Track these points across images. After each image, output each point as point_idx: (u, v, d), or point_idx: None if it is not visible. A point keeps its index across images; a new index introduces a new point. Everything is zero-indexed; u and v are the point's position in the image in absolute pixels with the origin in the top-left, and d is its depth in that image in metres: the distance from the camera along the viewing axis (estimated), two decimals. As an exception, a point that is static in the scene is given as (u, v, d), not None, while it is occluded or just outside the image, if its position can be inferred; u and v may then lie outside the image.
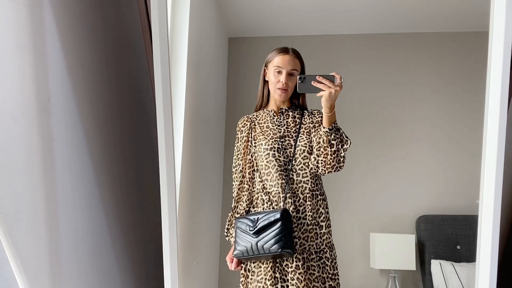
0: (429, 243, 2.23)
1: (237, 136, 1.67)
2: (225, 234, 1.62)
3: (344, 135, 1.50)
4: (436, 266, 2.11)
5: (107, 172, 1.35)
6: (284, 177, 1.52)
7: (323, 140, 1.48)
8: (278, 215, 1.44)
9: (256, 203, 1.57)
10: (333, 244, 1.59)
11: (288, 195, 1.51)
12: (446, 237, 2.23)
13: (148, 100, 1.66)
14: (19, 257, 0.89)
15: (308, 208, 1.51)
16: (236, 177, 1.61)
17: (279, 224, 1.43)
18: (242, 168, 1.59)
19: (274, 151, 1.54)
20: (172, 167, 1.22)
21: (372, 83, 2.53)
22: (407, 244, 2.13)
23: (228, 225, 1.60)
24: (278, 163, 1.53)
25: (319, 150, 1.50)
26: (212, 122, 2.25)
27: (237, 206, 1.59)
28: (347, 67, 2.56)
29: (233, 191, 1.61)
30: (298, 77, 1.47)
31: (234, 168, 1.63)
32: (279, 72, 1.57)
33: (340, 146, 1.48)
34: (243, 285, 1.54)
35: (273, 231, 1.43)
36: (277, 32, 2.63)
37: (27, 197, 0.96)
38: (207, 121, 2.14)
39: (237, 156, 1.62)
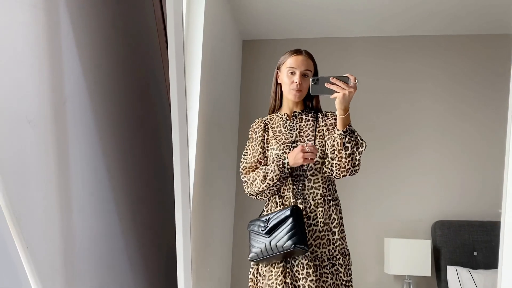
0: (445, 249, 2.18)
1: (250, 136, 1.64)
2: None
3: (359, 138, 1.45)
4: (452, 273, 2.07)
5: (121, 174, 1.35)
6: (295, 183, 1.50)
7: (337, 143, 1.43)
8: (288, 212, 1.42)
9: (271, 206, 1.54)
10: (347, 250, 1.52)
11: (299, 201, 1.48)
12: (462, 243, 2.18)
13: (163, 103, 1.66)
14: (33, 260, 0.89)
15: (319, 214, 1.48)
16: (246, 166, 1.57)
17: (290, 220, 1.41)
18: (257, 160, 1.55)
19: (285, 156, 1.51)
20: (186, 169, 1.22)
21: (386, 86, 2.50)
22: (422, 249, 2.09)
23: (248, 183, 1.54)
24: (289, 169, 1.48)
25: (333, 153, 1.46)
26: (225, 124, 2.25)
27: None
28: (361, 69, 2.54)
29: (243, 178, 1.57)
30: (311, 79, 1.43)
31: (243, 164, 1.60)
32: (293, 73, 1.54)
33: (355, 149, 1.43)
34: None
35: (284, 228, 1.41)
36: (291, 35, 2.62)
37: (42, 200, 0.96)
38: (220, 123, 2.14)
39: (252, 154, 1.58)
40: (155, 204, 1.64)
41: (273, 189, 1.51)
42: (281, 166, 1.47)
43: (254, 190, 1.53)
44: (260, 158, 1.56)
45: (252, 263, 1.51)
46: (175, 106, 1.17)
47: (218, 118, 2.10)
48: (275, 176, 1.48)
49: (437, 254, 2.20)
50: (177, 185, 1.22)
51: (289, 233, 1.39)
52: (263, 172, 1.50)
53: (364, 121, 2.46)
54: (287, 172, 1.48)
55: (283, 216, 1.42)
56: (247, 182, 1.55)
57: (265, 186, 1.49)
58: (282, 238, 1.40)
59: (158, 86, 1.66)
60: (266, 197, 1.55)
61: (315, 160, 1.46)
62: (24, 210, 0.88)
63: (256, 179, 1.52)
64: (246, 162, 1.59)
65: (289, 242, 1.38)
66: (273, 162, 1.52)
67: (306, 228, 1.45)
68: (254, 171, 1.55)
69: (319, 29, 2.54)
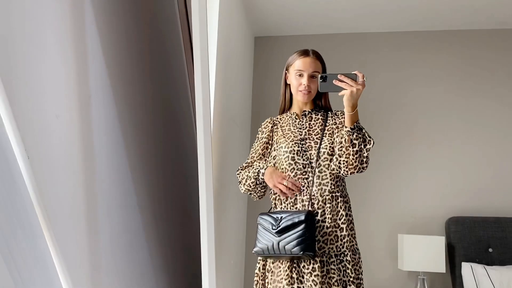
0: (459, 245, 2.18)
1: (257, 136, 1.66)
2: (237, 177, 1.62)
3: (367, 135, 1.43)
4: (467, 269, 2.07)
5: (142, 168, 1.38)
6: (304, 179, 1.50)
7: (345, 140, 1.44)
8: (302, 217, 1.41)
9: (275, 203, 1.55)
10: (356, 248, 1.50)
11: (305, 198, 1.48)
12: (477, 239, 2.17)
13: (184, 99, 1.68)
14: (61, 252, 0.91)
15: (327, 210, 1.47)
16: (243, 165, 1.61)
17: (302, 226, 1.41)
18: (254, 161, 1.58)
19: (293, 154, 1.51)
20: (210, 165, 1.23)
21: (397, 81, 2.49)
22: (436, 246, 2.08)
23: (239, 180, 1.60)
24: (297, 166, 1.51)
25: (341, 150, 1.46)
26: (238, 120, 2.25)
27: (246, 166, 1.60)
28: (372, 64, 2.54)
29: (237, 175, 1.62)
30: (319, 76, 1.43)
31: (244, 163, 1.63)
32: (301, 75, 1.54)
33: (362, 146, 1.41)
34: (256, 284, 1.52)
35: (295, 232, 1.41)
36: (302, 31, 2.62)
37: (69, 193, 0.99)
38: (234, 120, 2.14)
39: (251, 155, 1.60)
40: (175, 199, 1.66)
41: (254, 194, 1.59)
42: (256, 175, 1.54)
43: (240, 189, 1.60)
44: (257, 159, 1.60)
45: (259, 258, 1.51)
46: (199, 104, 1.18)
47: (232, 114, 2.11)
48: (251, 183, 1.54)
49: (451, 251, 2.20)
50: (202, 182, 1.23)
51: (299, 239, 1.39)
52: (246, 175, 1.57)
53: (375, 116, 2.47)
54: (261, 181, 1.53)
55: (296, 220, 1.42)
56: (239, 181, 1.60)
57: (245, 188, 1.57)
58: (291, 242, 1.40)
59: (180, 82, 1.67)
60: (256, 197, 1.60)
61: (289, 195, 1.49)
62: (52, 203, 0.90)
63: (243, 178, 1.58)
64: (245, 162, 1.63)
65: (298, 249, 1.38)
66: (274, 158, 1.57)
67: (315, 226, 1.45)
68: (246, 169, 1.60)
69: (330, 25, 2.54)
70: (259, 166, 1.54)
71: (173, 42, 1.58)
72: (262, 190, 1.57)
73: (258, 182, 1.54)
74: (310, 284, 1.39)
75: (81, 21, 1.02)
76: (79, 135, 1.00)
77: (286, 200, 1.51)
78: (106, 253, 1.17)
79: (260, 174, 1.52)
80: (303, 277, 1.43)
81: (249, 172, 1.56)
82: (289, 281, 1.40)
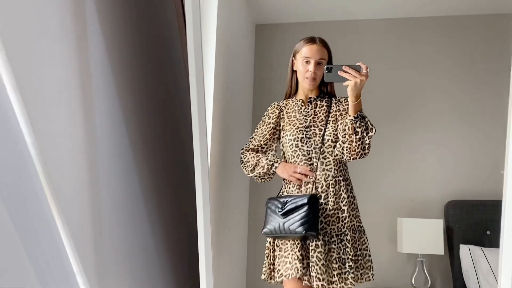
0: (457, 228, 2.21)
1: (263, 119, 1.73)
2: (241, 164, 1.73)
3: (369, 123, 1.54)
4: (465, 251, 2.10)
5: (141, 141, 1.47)
6: (309, 165, 1.59)
7: (348, 128, 1.52)
8: (305, 200, 1.53)
9: (287, 185, 1.66)
10: (358, 227, 1.63)
11: (311, 182, 1.59)
12: (475, 222, 2.21)
13: (181, 78, 1.76)
14: (66, 219, 0.98)
15: (330, 194, 1.58)
16: (248, 146, 1.73)
17: (305, 208, 1.52)
18: (260, 145, 1.69)
19: (297, 141, 1.61)
20: (205, 151, 1.28)
21: (398, 66, 2.51)
22: (435, 229, 2.12)
23: (244, 162, 1.71)
24: (302, 152, 1.61)
25: (344, 137, 1.55)
26: (239, 106, 2.29)
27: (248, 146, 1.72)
28: (373, 52, 2.55)
29: (241, 155, 1.73)
30: (325, 67, 1.51)
31: (248, 143, 1.73)
32: (308, 62, 1.63)
33: (365, 134, 1.53)
34: (267, 256, 1.63)
35: (299, 214, 1.52)
36: (303, 18, 2.64)
37: (72, 162, 1.08)
38: (235, 106, 2.18)
39: (258, 138, 1.69)
40: (175, 172, 1.74)
41: (259, 180, 1.70)
42: (269, 168, 1.65)
43: (244, 171, 1.71)
44: (264, 144, 1.70)
45: None
46: (193, 88, 1.23)
47: (233, 101, 2.15)
48: (262, 172, 1.66)
49: (450, 233, 2.23)
50: (197, 164, 1.28)
51: (302, 220, 1.50)
52: (256, 161, 1.69)
53: (376, 102, 2.49)
54: (272, 174, 1.67)
55: (300, 203, 1.53)
56: (242, 161, 1.71)
57: (253, 175, 1.68)
58: (295, 222, 1.51)
59: (177, 64, 1.74)
60: (260, 181, 1.72)
61: (303, 182, 1.61)
62: (56, 171, 0.99)
63: (248, 162, 1.71)
64: (251, 143, 1.73)
65: (301, 228, 1.49)
66: (283, 146, 1.67)
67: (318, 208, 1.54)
68: (254, 152, 1.71)
69: (332, 12, 2.55)
70: (273, 160, 1.66)
71: (171, 25, 1.65)
72: (269, 178, 1.71)
73: (269, 173, 1.66)
74: (315, 260, 1.51)
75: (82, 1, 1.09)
76: (81, 109, 1.09)
77: (294, 186, 1.62)
78: (108, 221, 1.25)
79: (273, 168, 1.64)
80: (308, 253, 1.54)
81: (259, 161, 1.68)
82: (296, 257, 1.50)
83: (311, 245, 1.54)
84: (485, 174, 2.34)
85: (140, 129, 1.45)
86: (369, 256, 1.65)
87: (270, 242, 1.64)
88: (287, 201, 1.57)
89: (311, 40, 1.64)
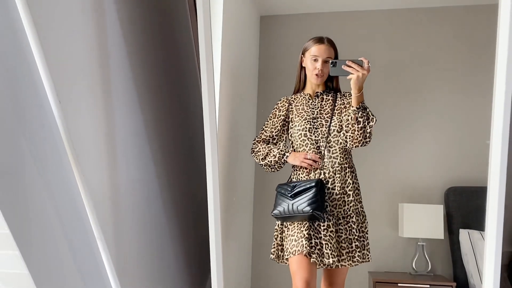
0: (457, 213, 2.27)
1: (273, 112, 1.86)
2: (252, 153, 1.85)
3: (370, 113, 1.69)
4: (465, 235, 2.17)
5: (155, 126, 1.63)
6: (317, 153, 1.74)
7: (351, 118, 1.68)
8: (313, 184, 1.69)
9: (296, 171, 1.79)
10: (361, 211, 1.81)
11: (318, 168, 1.73)
12: (475, 208, 2.27)
13: (193, 71, 1.87)
14: (89, 189, 1.13)
15: (337, 180, 1.74)
16: (260, 136, 1.85)
17: (313, 190, 1.68)
18: (271, 136, 1.78)
19: (305, 131, 1.76)
20: (215, 139, 1.36)
21: (399, 55, 2.54)
22: (435, 214, 2.19)
23: (255, 151, 1.83)
24: (310, 141, 1.76)
25: (347, 127, 1.71)
26: (245, 98, 2.35)
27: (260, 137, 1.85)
28: (374, 42, 2.59)
29: (253, 145, 1.85)
30: (330, 62, 1.64)
31: (260, 134, 1.86)
32: (316, 60, 1.78)
33: (366, 123, 1.69)
34: (276, 238, 1.77)
35: (307, 195, 1.68)
36: (307, 9, 2.67)
37: (93, 135, 1.22)
38: (241, 97, 2.24)
39: (270, 129, 1.80)
40: (187, 154, 1.87)
41: (270, 169, 1.84)
42: (281, 156, 1.79)
43: (255, 159, 1.85)
44: (275, 135, 1.82)
45: None
46: (204, 82, 1.30)
47: (239, 92, 2.21)
48: (273, 161, 1.80)
49: (450, 219, 2.29)
50: (208, 150, 1.36)
51: (309, 200, 1.66)
52: (267, 151, 1.81)
53: (376, 89, 2.52)
54: (283, 163, 1.81)
55: (308, 186, 1.69)
56: (253, 150, 1.86)
57: (264, 163, 1.82)
58: (303, 203, 1.67)
59: (189, 56, 1.86)
60: (269, 171, 1.85)
61: (313, 167, 1.74)
62: (81, 145, 1.13)
63: (259, 151, 1.83)
64: (262, 134, 1.87)
65: (308, 208, 1.65)
66: (291, 136, 1.82)
67: (325, 192, 1.65)
68: (265, 143, 1.85)
69: (336, 2, 2.59)
70: (284, 150, 1.81)
71: (181, 19, 1.74)
72: (280, 168, 1.85)
73: (280, 162, 1.81)
74: (328, 239, 1.68)
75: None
76: (101, 92, 1.22)
77: (303, 173, 1.77)
78: (125, 199, 1.38)
79: (284, 157, 1.79)
80: (319, 233, 1.69)
81: (270, 151, 1.82)
82: (305, 237, 1.60)
83: (322, 225, 1.68)
84: (485, 161, 2.38)
85: (153, 110, 1.59)
86: (368, 239, 1.78)
87: (278, 225, 1.77)
88: (296, 185, 1.72)
89: (320, 40, 1.80)
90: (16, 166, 0.97)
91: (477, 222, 2.24)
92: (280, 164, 1.81)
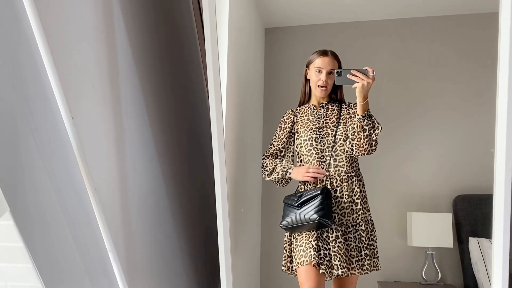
0: (466, 221, 2.26)
1: (280, 125, 1.89)
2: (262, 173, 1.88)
3: (375, 121, 1.70)
4: (474, 244, 2.16)
5: (163, 135, 1.65)
6: (322, 163, 1.75)
7: (357, 126, 1.70)
8: (318, 191, 1.70)
9: (304, 182, 1.79)
10: (369, 219, 1.80)
11: (325, 178, 1.74)
12: (483, 216, 2.26)
13: (201, 78, 1.92)
14: (99, 199, 1.15)
15: (344, 188, 1.74)
16: (269, 151, 1.88)
17: (319, 198, 1.69)
18: (278, 149, 1.80)
19: (312, 140, 1.77)
20: (222, 141, 1.37)
21: (404, 64, 2.56)
22: (443, 222, 2.18)
23: (263, 166, 1.86)
24: (316, 151, 1.77)
25: (353, 135, 1.72)
26: (251, 109, 2.37)
27: (268, 152, 1.87)
28: (382, 51, 2.61)
29: (262, 160, 1.87)
30: (335, 71, 1.68)
31: (268, 149, 1.89)
32: (320, 72, 1.81)
33: (372, 131, 1.70)
34: (286, 250, 1.78)
35: (313, 203, 1.69)
36: (312, 21, 2.70)
37: (104, 147, 1.24)
38: (247, 108, 2.26)
39: (276, 142, 1.83)
40: (194, 163, 1.89)
41: (277, 184, 1.86)
42: (284, 174, 1.81)
43: (263, 175, 1.88)
44: (282, 148, 1.85)
45: None
46: (211, 85, 1.32)
47: (244, 103, 2.23)
48: (277, 177, 1.83)
49: (459, 227, 2.28)
50: (215, 156, 1.37)
51: (316, 208, 1.67)
52: (273, 167, 1.87)
53: (383, 98, 2.54)
54: (287, 180, 1.83)
55: (313, 194, 1.70)
56: (263, 166, 1.89)
57: (269, 179, 1.85)
58: (310, 211, 1.67)
59: (195, 65, 1.90)
60: (278, 185, 1.88)
61: (317, 179, 1.75)
62: (91, 155, 1.15)
63: (267, 167, 1.88)
64: (270, 149, 1.90)
65: (315, 215, 1.65)
66: (297, 147, 1.84)
67: (333, 200, 1.66)
68: (273, 158, 1.88)
69: (341, 14, 2.62)
70: (287, 166, 1.83)
71: (188, 31, 1.78)
72: (287, 183, 1.88)
73: (284, 179, 1.83)
74: (337, 250, 1.68)
75: (110, 8, 1.21)
76: (111, 103, 1.25)
77: (310, 184, 1.77)
78: (134, 208, 1.40)
79: (287, 174, 1.81)
80: (328, 245, 1.70)
81: (275, 167, 1.85)
82: (315, 248, 1.61)
83: (331, 237, 1.68)
84: (492, 169, 2.37)
85: (160, 120, 1.63)
86: (377, 248, 1.78)
87: (287, 236, 1.77)
88: (302, 194, 1.73)
89: (324, 53, 1.84)
90: (27, 174, 1.01)
91: (486, 230, 2.23)
92: (286, 180, 1.84)
